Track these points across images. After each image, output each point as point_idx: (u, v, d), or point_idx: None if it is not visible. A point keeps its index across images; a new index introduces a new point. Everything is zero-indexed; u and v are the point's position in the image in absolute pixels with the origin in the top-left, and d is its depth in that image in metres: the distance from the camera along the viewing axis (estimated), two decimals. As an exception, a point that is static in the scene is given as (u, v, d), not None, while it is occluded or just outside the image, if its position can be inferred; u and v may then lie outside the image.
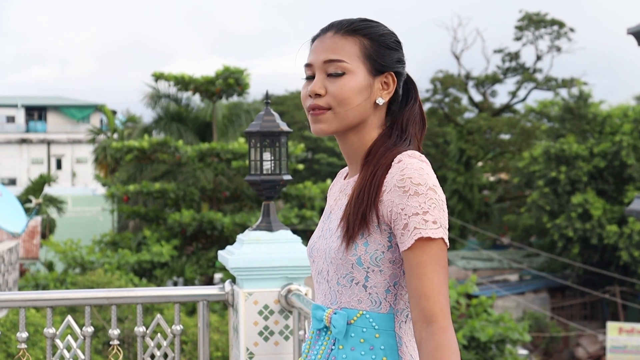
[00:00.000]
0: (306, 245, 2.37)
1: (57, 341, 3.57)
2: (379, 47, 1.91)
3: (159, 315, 3.62)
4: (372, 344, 1.84)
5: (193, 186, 20.61)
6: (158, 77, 22.00)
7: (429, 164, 1.85)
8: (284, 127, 3.82)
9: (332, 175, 30.37)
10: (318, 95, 1.89)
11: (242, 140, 19.70)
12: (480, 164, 35.17)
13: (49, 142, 49.16)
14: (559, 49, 34.08)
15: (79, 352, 3.57)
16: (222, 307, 15.13)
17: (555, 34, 33.90)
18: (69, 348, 3.60)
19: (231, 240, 15.69)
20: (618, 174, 26.70)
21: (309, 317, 3.24)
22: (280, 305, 3.63)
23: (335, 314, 1.88)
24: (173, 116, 23.61)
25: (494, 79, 34.80)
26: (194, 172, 20.85)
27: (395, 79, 1.93)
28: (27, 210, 26.38)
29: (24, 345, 3.56)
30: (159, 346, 3.74)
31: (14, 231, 16.54)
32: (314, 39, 1.96)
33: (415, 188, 1.78)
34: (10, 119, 50.84)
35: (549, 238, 28.05)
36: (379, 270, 1.85)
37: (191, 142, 22.21)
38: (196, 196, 20.29)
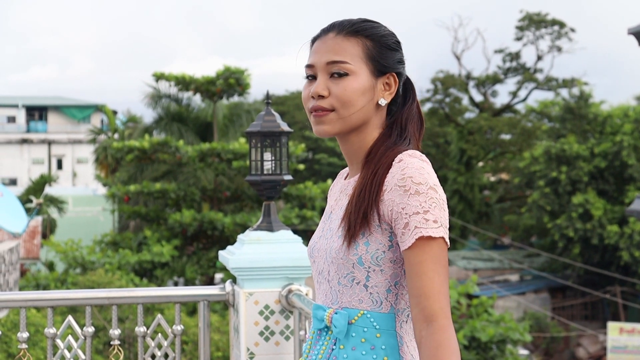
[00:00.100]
0: (307, 245, 2.37)
1: (58, 341, 3.57)
2: (381, 48, 1.91)
3: (159, 316, 3.62)
4: (373, 344, 1.84)
5: (194, 186, 20.62)
6: (159, 77, 22.00)
7: (430, 163, 1.86)
8: (284, 127, 3.82)
9: (333, 176, 30.36)
10: (321, 97, 1.89)
11: (242, 140, 19.70)
12: (480, 164, 35.16)
13: (49, 142, 49.18)
14: (559, 49, 34.08)
15: (80, 352, 3.57)
16: (223, 307, 15.14)
17: (556, 34, 33.91)
18: (69, 348, 3.60)
19: (232, 241, 15.71)
20: (619, 174, 26.70)
21: (309, 317, 3.24)
22: (281, 306, 3.63)
23: (336, 313, 1.88)
24: (174, 116, 23.61)
25: (495, 79, 34.80)
26: (194, 172, 20.85)
27: (397, 80, 1.93)
28: (28, 211, 26.39)
29: (24, 346, 3.56)
30: (159, 346, 3.74)
31: (14, 231, 16.54)
32: (314, 40, 1.96)
33: (416, 187, 1.78)
34: (11, 119, 50.87)
35: (550, 238, 28.05)
36: (380, 270, 1.85)
37: (192, 142, 22.21)
38: (197, 196, 20.29)
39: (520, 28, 34.08)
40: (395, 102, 1.96)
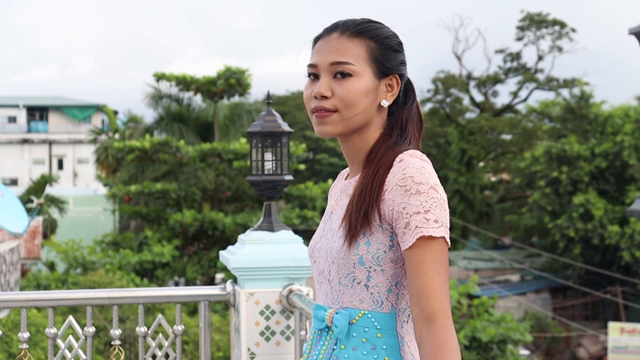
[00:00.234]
0: (307, 245, 2.37)
1: (59, 341, 3.57)
2: (385, 49, 1.91)
3: (160, 316, 3.62)
4: (374, 344, 1.84)
5: (194, 186, 20.63)
6: (159, 77, 22.02)
7: (430, 163, 1.86)
8: (285, 127, 3.82)
9: (334, 176, 30.35)
10: (324, 97, 1.89)
11: (243, 140, 19.72)
12: (481, 164, 35.16)
13: (50, 143, 49.21)
14: (560, 49, 34.08)
15: (81, 352, 3.57)
16: (224, 307, 15.15)
17: (557, 34, 33.91)
18: (70, 348, 3.60)
19: (232, 241, 15.68)
20: (619, 174, 26.69)
21: (310, 317, 3.24)
22: (281, 306, 3.63)
23: (337, 313, 1.88)
24: (174, 116, 23.62)
25: (496, 79, 34.80)
26: (195, 172, 20.86)
27: (399, 81, 1.93)
28: (29, 211, 26.40)
29: (25, 346, 3.56)
30: (160, 346, 3.74)
31: (15, 231, 16.55)
32: (317, 39, 1.95)
33: (417, 187, 1.78)
34: (12, 119, 50.88)
35: (551, 238, 28.03)
36: (381, 270, 1.84)
37: (192, 142, 22.22)
38: (197, 196, 20.30)
39: (521, 28, 34.08)
40: (396, 103, 1.96)
